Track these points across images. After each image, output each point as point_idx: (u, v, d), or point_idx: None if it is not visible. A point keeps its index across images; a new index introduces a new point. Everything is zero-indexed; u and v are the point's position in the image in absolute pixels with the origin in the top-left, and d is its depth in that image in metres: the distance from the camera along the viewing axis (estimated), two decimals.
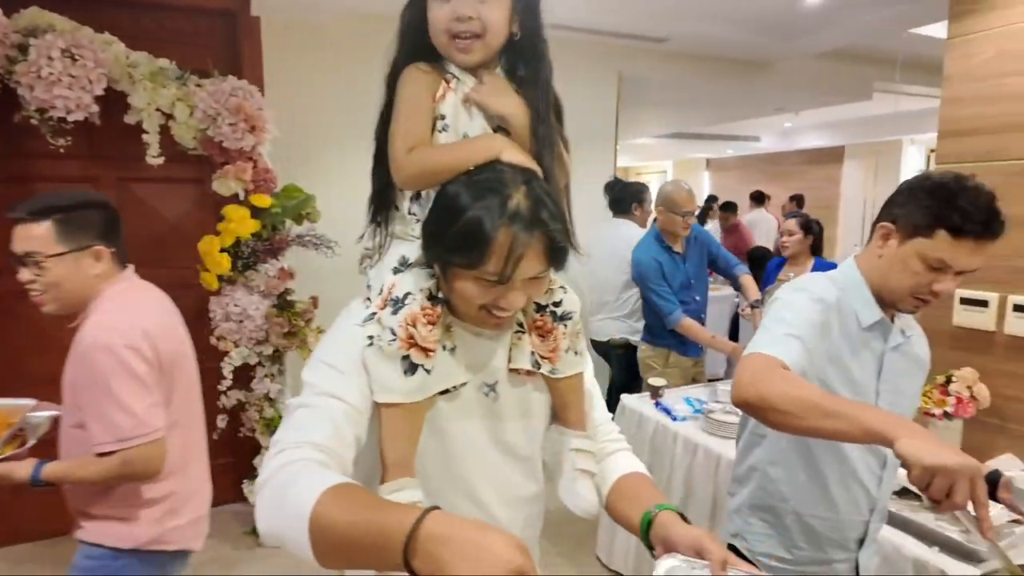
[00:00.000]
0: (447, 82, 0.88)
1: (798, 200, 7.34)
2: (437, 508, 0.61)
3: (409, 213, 0.90)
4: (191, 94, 2.37)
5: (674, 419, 2.36)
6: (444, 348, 0.87)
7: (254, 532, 2.75)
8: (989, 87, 2.01)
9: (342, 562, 0.67)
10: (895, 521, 1.59)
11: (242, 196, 2.53)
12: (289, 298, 2.71)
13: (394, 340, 0.82)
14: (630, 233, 3.35)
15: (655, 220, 3.07)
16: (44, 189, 2.59)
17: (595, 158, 4.01)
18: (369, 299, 0.89)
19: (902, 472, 1.02)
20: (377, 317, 0.85)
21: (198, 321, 2.88)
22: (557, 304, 0.95)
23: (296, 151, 3.05)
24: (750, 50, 4.04)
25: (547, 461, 0.99)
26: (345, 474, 0.75)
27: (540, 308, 0.94)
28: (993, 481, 1.19)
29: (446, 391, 0.88)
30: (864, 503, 1.29)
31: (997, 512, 1.28)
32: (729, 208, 6.43)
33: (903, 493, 1.70)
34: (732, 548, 1.39)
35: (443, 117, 0.87)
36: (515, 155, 0.84)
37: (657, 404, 2.49)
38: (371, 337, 0.83)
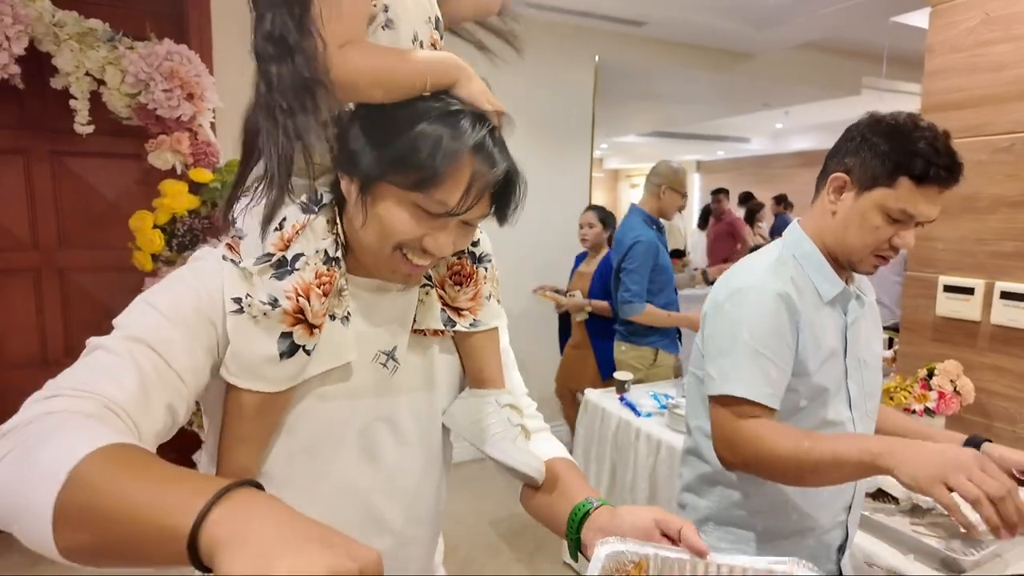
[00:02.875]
0: None
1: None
2: (250, 486, 0.43)
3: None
4: (122, 57, 2.20)
5: (638, 415, 2.19)
6: (333, 318, 0.69)
7: None
8: (973, 57, 1.86)
9: (99, 558, 0.45)
10: (868, 526, 1.43)
11: (180, 170, 2.36)
12: None
13: (276, 308, 0.63)
14: None
15: (638, 203, 2.92)
16: None
17: (570, 148, 3.86)
18: (231, 247, 0.68)
19: None
20: (248, 271, 0.64)
21: None
22: (475, 244, 0.80)
23: None
24: (730, 39, 3.90)
25: (467, 434, 0.80)
26: None
27: (456, 252, 0.78)
28: (975, 445, 1.10)
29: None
30: (840, 504, 1.13)
31: None
32: (722, 192, 6.38)
33: (877, 496, 1.54)
34: None
35: (385, 8, 0.66)
36: (475, 88, 0.67)
37: (622, 399, 2.33)
38: (239, 300, 0.64)
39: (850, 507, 1.13)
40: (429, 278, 0.79)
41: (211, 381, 0.67)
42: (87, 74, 2.21)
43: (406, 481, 0.79)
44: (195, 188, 2.37)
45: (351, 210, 0.68)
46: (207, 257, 0.70)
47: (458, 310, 0.79)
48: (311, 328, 0.66)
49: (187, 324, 0.63)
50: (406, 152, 0.62)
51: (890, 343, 2.67)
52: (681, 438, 1.95)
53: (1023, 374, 1.79)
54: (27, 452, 0.48)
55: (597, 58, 3.77)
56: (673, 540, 0.64)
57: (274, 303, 0.64)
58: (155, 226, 2.30)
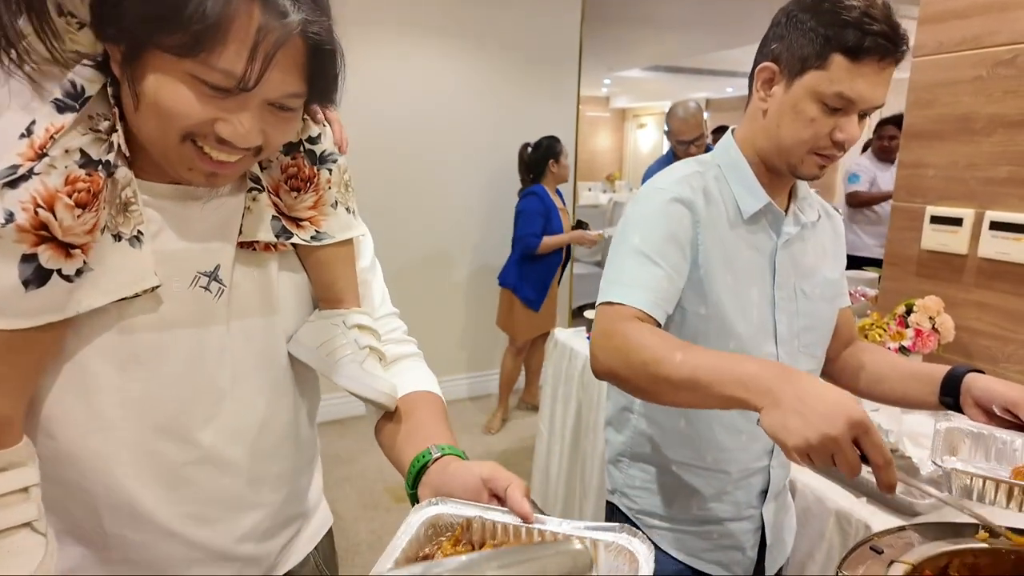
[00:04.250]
0: None
1: None
2: None
3: (63, 14, 0.54)
4: None
5: None
6: (119, 239, 0.57)
7: None
8: None
9: None
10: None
11: None
12: None
13: (8, 225, 0.51)
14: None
15: None
16: None
17: (554, 81, 3.63)
18: None
19: None
20: None
21: None
22: (313, 140, 0.67)
23: None
24: None
25: (313, 362, 0.71)
26: None
27: (290, 148, 0.66)
28: (956, 377, 0.93)
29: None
30: (759, 447, 1.03)
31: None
32: (724, 129, 6.37)
33: None
34: (611, 507, 1.15)
35: None
36: None
37: (589, 338, 2.24)
38: None
39: (772, 451, 1.04)
40: (259, 181, 0.66)
41: None
42: None
43: (248, 417, 0.69)
44: None
45: (125, 94, 0.55)
46: None
47: (296, 220, 0.67)
48: (66, 249, 0.54)
49: None
50: (168, 5, 0.49)
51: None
52: None
53: (1008, 311, 1.66)
54: None
55: None
56: (502, 500, 0.55)
57: (9, 218, 0.51)
58: None
